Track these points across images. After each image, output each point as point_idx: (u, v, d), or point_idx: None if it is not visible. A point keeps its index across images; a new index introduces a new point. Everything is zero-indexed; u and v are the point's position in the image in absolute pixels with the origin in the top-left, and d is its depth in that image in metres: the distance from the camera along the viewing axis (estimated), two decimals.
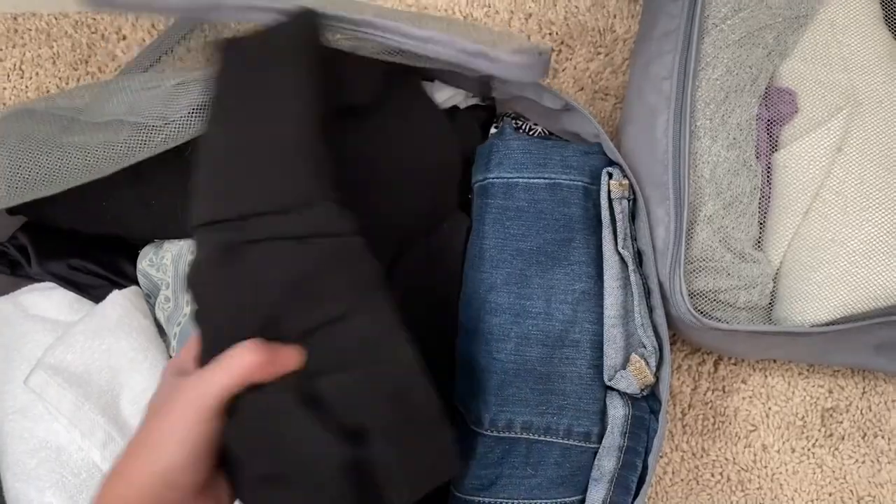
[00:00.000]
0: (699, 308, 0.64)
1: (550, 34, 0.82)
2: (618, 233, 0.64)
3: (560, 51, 0.82)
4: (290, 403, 0.46)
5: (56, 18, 0.84)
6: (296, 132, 0.53)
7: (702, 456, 0.79)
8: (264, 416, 0.47)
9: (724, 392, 0.79)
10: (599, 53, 0.82)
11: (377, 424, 0.47)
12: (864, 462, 0.79)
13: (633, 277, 0.63)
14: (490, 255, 0.65)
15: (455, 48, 0.58)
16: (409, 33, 0.59)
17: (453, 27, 0.65)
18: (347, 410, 0.47)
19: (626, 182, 0.65)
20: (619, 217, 0.64)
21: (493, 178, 0.66)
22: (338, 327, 0.49)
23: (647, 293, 0.65)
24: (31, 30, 0.83)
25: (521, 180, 0.65)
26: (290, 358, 0.48)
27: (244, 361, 0.46)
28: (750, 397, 0.79)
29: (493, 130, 0.71)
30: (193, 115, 0.63)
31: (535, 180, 0.65)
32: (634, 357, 0.63)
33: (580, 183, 0.65)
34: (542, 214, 0.64)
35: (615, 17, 0.82)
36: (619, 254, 0.64)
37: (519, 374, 0.63)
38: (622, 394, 0.64)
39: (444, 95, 0.70)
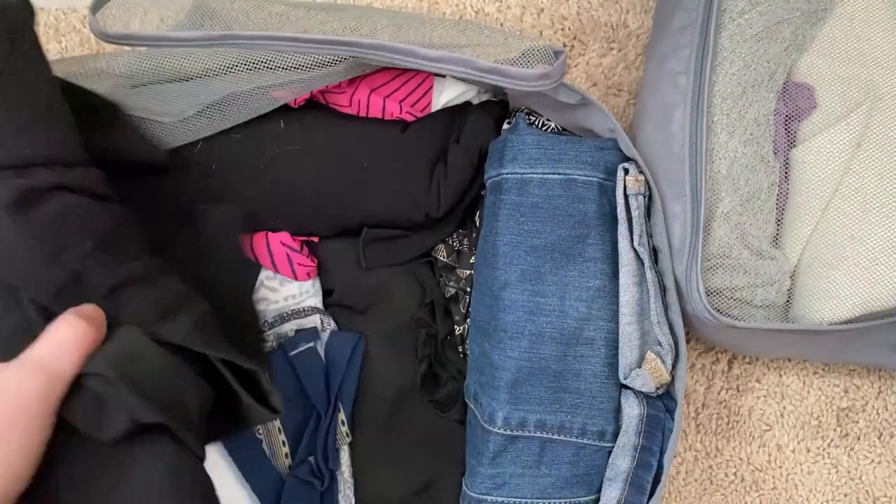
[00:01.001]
0: (716, 306, 0.63)
1: (563, 29, 0.81)
2: (633, 229, 0.63)
3: (572, 46, 0.81)
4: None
5: (64, 13, 0.83)
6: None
7: (716, 455, 0.78)
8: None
9: (738, 391, 0.78)
10: (612, 49, 0.81)
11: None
12: (880, 462, 0.78)
13: (648, 275, 0.63)
14: (504, 251, 0.64)
15: (467, 67, 0.59)
16: (421, 55, 0.59)
17: (462, 29, 0.65)
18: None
19: (641, 178, 0.64)
20: (634, 213, 0.63)
21: (507, 174, 0.65)
22: (140, 286, 0.47)
23: (663, 290, 0.64)
24: (39, 25, 0.82)
25: (535, 176, 0.64)
26: (101, 321, 0.43)
27: (75, 340, 0.41)
28: (764, 396, 0.78)
29: (505, 126, 0.71)
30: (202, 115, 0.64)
31: (550, 176, 0.64)
32: (650, 355, 0.62)
33: (595, 178, 0.64)
34: (557, 210, 0.63)
35: (628, 12, 0.81)
36: (634, 250, 0.63)
37: (533, 372, 0.62)
38: (637, 392, 0.63)
39: (456, 91, 0.69)
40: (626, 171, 0.64)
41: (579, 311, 0.62)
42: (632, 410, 0.62)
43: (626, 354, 0.62)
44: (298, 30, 0.62)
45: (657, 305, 0.63)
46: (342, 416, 0.68)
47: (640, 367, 0.62)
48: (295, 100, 0.67)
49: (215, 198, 0.66)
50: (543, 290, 0.63)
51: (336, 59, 0.62)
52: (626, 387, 0.64)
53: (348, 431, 0.68)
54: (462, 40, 0.63)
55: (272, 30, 0.61)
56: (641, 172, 0.64)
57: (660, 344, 0.63)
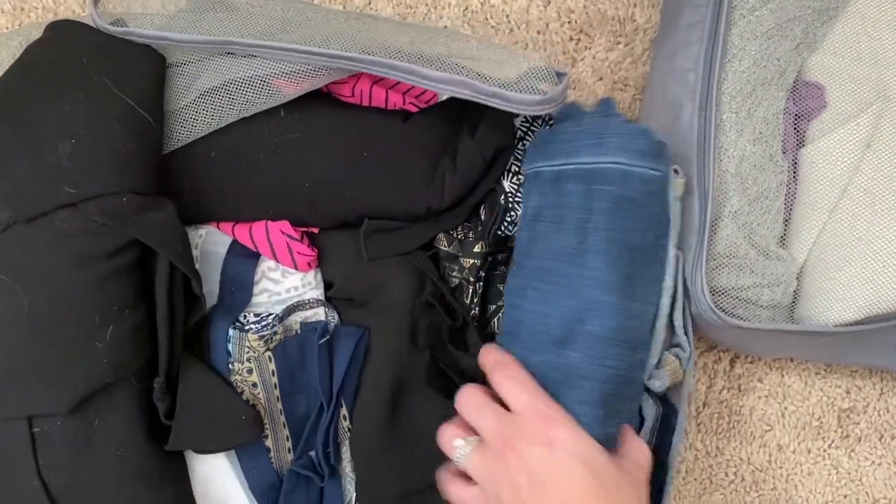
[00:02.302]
0: (721, 305, 0.63)
1: (569, 22, 0.81)
2: (674, 231, 0.61)
3: (579, 40, 0.81)
4: None
5: None
6: None
7: (716, 455, 0.78)
8: None
9: (739, 391, 0.79)
10: (619, 43, 0.81)
11: None
12: (880, 464, 0.78)
13: (678, 276, 0.61)
14: (602, 248, 0.58)
15: (469, 89, 0.59)
16: (422, 73, 0.59)
17: (465, 42, 0.65)
18: None
19: (683, 180, 0.62)
20: (676, 214, 0.61)
21: (611, 164, 0.58)
22: None
23: (686, 292, 0.63)
24: (38, 8, 0.82)
25: (638, 170, 0.58)
26: None
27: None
28: (766, 396, 0.79)
29: (579, 108, 0.66)
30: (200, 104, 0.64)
31: (651, 172, 0.59)
32: (670, 357, 0.61)
33: (667, 178, 0.60)
34: (647, 209, 0.59)
35: (636, 6, 0.81)
36: (676, 251, 0.61)
37: (622, 383, 0.58)
38: (651, 392, 0.63)
39: None
40: (677, 173, 0.61)
41: (650, 316, 0.60)
42: (650, 410, 0.61)
43: (654, 356, 0.61)
44: (301, 36, 0.62)
45: (685, 307, 0.62)
46: (344, 410, 0.68)
47: (657, 367, 0.61)
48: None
49: (212, 186, 0.66)
50: (633, 294, 0.58)
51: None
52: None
53: (350, 426, 0.68)
54: (465, 53, 0.63)
55: (274, 39, 0.61)
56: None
57: (679, 346, 0.62)
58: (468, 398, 0.58)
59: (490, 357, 0.60)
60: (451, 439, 0.58)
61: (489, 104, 0.59)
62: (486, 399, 0.57)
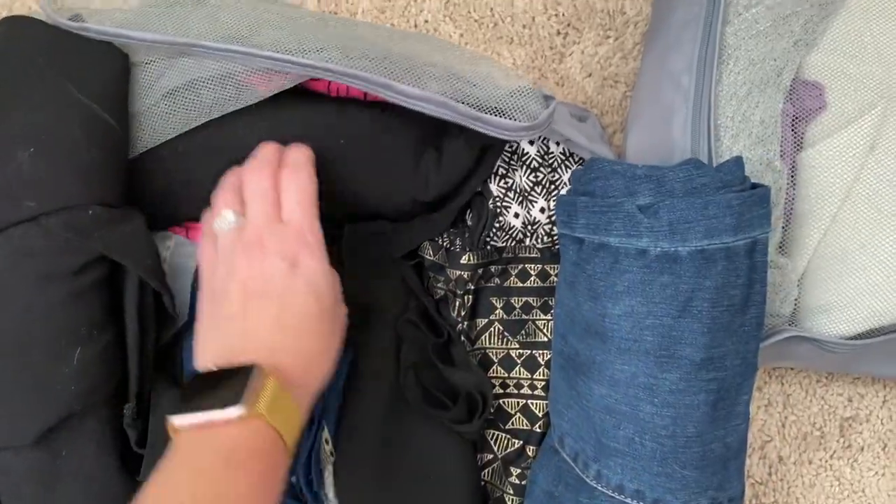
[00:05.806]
0: None
1: (556, 15, 0.81)
2: None
3: (567, 34, 0.81)
4: None
5: None
6: None
7: None
8: None
9: None
10: (609, 37, 0.81)
11: None
12: (883, 474, 0.79)
13: None
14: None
15: (447, 109, 0.59)
16: (398, 89, 0.59)
17: (452, 55, 0.65)
18: None
19: None
20: None
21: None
22: None
23: None
24: None
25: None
26: None
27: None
28: (766, 406, 0.79)
29: None
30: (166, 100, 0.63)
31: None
32: None
33: None
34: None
35: None
36: None
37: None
38: None
39: None
40: None
41: None
42: None
43: None
44: (272, 39, 0.61)
45: None
46: (326, 434, 0.68)
47: None
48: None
49: (184, 182, 0.66)
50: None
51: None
52: None
53: (332, 450, 0.68)
54: (450, 66, 0.63)
55: (244, 42, 0.61)
56: None
57: None
58: (254, 173, 0.60)
59: (291, 153, 0.62)
60: (224, 205, 0.59)
61: (469, 126, 0.59)
62: (270, 187, 0.59)
